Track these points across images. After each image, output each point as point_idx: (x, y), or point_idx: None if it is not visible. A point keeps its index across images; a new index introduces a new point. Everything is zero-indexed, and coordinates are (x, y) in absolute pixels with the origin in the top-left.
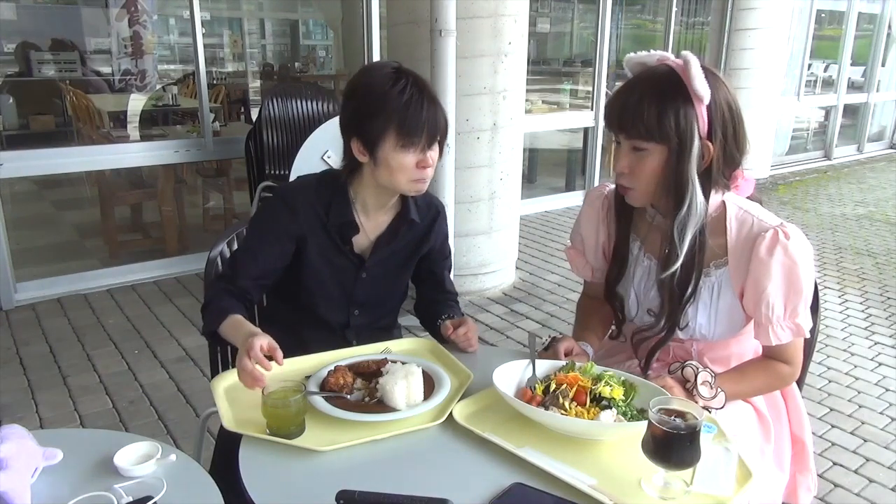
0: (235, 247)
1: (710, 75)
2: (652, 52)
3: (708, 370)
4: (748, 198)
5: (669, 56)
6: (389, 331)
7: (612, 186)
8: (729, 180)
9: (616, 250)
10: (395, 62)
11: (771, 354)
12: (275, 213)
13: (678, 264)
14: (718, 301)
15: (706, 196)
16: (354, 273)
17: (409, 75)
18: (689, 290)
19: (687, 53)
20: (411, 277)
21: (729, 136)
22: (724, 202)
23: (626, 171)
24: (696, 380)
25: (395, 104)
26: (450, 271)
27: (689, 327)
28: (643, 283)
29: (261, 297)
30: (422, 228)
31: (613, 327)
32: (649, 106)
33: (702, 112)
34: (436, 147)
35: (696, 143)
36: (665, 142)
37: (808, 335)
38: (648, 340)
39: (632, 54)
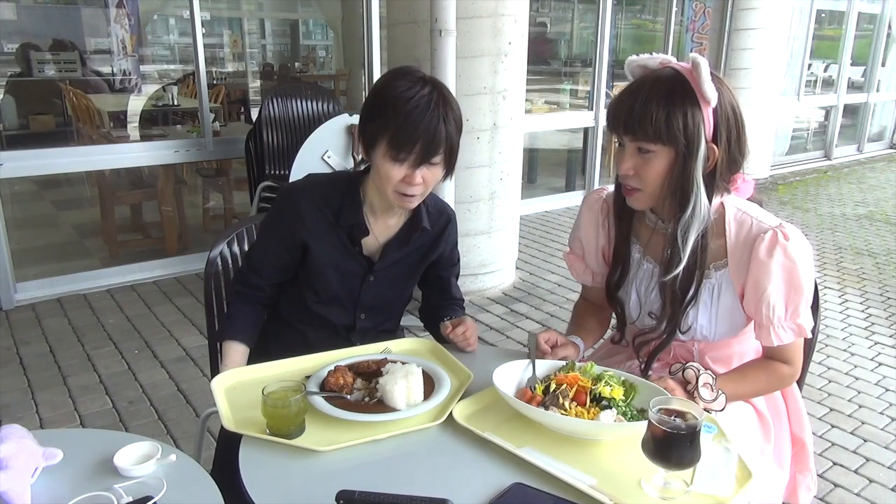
0: (236, 247)
1: (715, 79)
2: (654, 54)
3: (709, 372)
4: (748, 199)
5: (671, 59)
6: (392, 333)
7: (611, 189)
8: (728, 183)
9: (616, 253)
10: (422, 72)
11: (771, 355)
12: (281, 214)
13: (681, 267)
14: (719, 302)
15: (709, 199)
16: (362, 276)
17: (428, 86)
18: (691, 292)
19: (696, 56)
20: (418, 282)
21: (733, 139)
22: (722, 204)
23: (630, 173)
24: (697, 382)
25: (397, 111)
26: (457, 278)
27: (691, 328)
28: (644, 286)
29: (276, 293)
30: (432, 234)
31: (615, 331)
32: (657, 108)
33: (708, 115)
34: (434, 167)
35: (703, 145)
36: (672, 144)
37: (809, 335)
38: (650, 343)
39: (633, 56)
